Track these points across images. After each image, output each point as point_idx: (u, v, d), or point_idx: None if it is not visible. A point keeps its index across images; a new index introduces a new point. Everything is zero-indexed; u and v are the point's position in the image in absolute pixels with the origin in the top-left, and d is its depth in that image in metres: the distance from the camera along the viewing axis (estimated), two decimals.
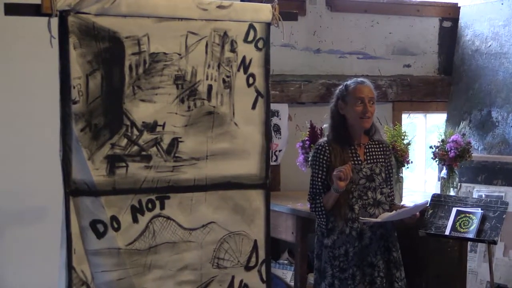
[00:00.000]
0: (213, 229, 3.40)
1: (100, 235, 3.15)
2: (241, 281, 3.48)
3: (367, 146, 3.64)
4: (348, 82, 3.61)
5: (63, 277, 3.12)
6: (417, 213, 3.61)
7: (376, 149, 3.66)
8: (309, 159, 3.83)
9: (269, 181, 3.53)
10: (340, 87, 3.64)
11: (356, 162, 3.57)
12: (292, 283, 4.65)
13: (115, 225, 3.17)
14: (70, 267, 3.10)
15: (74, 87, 3.07)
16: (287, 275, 4.77)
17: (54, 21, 3.05)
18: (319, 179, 3.58)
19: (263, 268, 3.53)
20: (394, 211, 3.56)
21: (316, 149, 3.63)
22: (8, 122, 4.19)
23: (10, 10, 3.01)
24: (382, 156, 3.67)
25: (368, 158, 3.62)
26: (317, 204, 3.57)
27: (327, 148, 3.58)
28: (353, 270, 3.53)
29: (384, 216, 3.53)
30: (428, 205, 3.74)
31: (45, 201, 4.19)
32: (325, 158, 3.57)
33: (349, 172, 3.41)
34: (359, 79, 3.64)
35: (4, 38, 4.13)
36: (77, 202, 3.11)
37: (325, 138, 3.66)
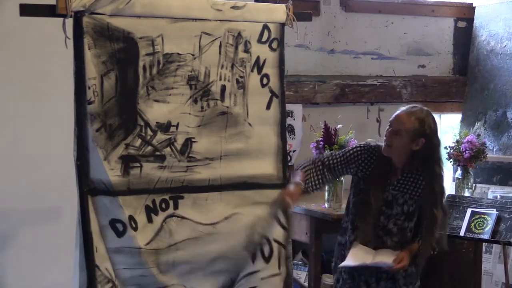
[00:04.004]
0: (238, 218, 3.39)
1: (120, 234, 3.15)
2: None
3: (405, 174, 3.37)
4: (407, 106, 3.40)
5: (77, 277, 3.12)
6: (395, 265, 3.32)
7: (413, 181, 3.37)
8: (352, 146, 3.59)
9: (288, 180, 3.50)
10: None
11: (385, 183, 3.40)
12: (306, 284, 4.65)
13: (133, 225, 3.17)
14: (92, 266, 3.09)
15: (89, 88, 3.08)
16: (301, 275, 4.77)
17: (69, 22, 3.06)
18: (336, 160, 3.44)
19: None
20: (364, 262, 3.34)
21: (365, 145, 3.45)
22: (21, 123, 4.20)
23: (26, 11, 3.02)
24: (416, 191, 3.36)
25: (398, 185, 3.38)
26: (309, 165, 3.45)
27: (373, 152, 3.40)
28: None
29: (358, 261, 3.35)
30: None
31: (58, 202, 4.21)
32: (362, 158, 3.41)
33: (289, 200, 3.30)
34: (414, 108, 3.34)
35: (20, 39, 4.15)
36: (95, 201, 3.12)
37: (380, 144, 3.42)
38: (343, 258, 3.45)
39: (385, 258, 3.30)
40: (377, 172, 3.38)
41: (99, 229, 3.13)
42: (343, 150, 3.51)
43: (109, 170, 3.12)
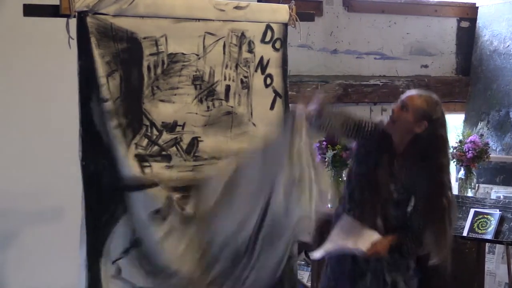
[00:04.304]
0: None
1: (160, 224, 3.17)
2: None
3: (403, 160, 3.32)
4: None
5: (83, 277, 3.12)
6: (371, 249, 3.27)
7: (409, 169, 3.32)
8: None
9: None
10: None
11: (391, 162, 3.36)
12: (309, 284, 4.65)
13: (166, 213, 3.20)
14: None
15: (103, 86, 3.07)
16: (304, 275, 4.77)
17: (71, 22, 3.05)
18: (359, 121, 3.36)
19: None
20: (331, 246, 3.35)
21: (379, 122, 3.40)
22: (25, 122, 4.21)
23: (29, 11, 3.02)
24: (411, 179, 3.30)
25: (394, 172, 3.34)
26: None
27: (377, 129, 3.36)
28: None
29: (328, 248, 3.34)
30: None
31: (60, 202, 4.22)
32: (369, 132, 3.35)
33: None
34: (427, 91, 3.37)
35: (23, 39, 4.15)
36: (130, 197, 3.13)
37: (385, 120, 3.38)
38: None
39: (365, 243, 3.27)
40: (380, 149, 3.33)
41: (142, 223, 3.13)
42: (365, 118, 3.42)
43: (131, 167, 3.12)
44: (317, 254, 3.37)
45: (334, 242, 3.33)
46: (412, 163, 3.30)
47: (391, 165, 3.33)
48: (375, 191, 3.33)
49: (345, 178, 3.56)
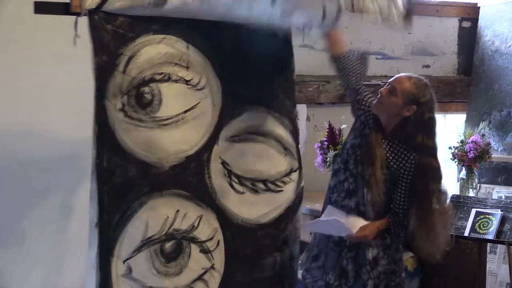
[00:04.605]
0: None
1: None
2: None
3: (389, 142, 3.33)
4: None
5: (93, 277, 3.11)
6: (360, 232, 3.29)
7: (394, 151, 3.32)
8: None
9: None
10: None
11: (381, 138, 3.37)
12: None
13: None
14: None
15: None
16: None
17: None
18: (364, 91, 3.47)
19: None
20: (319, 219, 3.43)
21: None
22: (34, 120, 4.22)
23: (39, 9, 3.01)
24: (394, 162, 3.30)
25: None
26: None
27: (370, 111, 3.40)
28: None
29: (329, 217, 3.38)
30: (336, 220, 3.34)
31: (70, 201, 4.23)
32: (365, 113, 3.42)
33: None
34: (416, 75, 3.34)
35: (32, 37, 4.16)
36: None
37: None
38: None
39: (353, 226, 3.30)
40: (372, 126, 3.36)
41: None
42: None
43: None
44: (310, 224, 3.50)
45: (327, 216, 3.38)
46: (397, 145, 3.31)
47: (379, 144, 3.33)
48: (368, 164, 3.32)
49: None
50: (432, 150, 3.30)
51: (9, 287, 4.20)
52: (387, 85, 3.31)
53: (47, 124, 4.24)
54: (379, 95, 3.31)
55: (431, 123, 3.30)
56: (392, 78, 3.33)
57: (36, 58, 4.17)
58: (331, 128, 4.53)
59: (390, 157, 3.31)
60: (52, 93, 4.22)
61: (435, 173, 3.29)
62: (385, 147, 3.33)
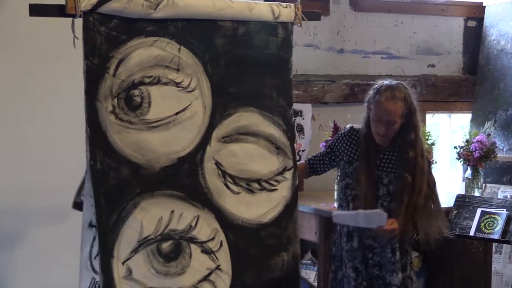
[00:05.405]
0: None
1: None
2: None
3: (387, 152, 3.44)
4: (382, 88, 3.39)
5: (87, 278, 3.12)
6: (385, 226, 3.30)
7: (395, 159, 3.42)
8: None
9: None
10: (376, 86, 3.44)
11: (375, 162, 3.45)
12: (315, 283, 4.65)
13: None
14: None
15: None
16: (310, 275, 4.77)
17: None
18: (322, 154, 3.65)
19: None
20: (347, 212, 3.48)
21: (348, 131, 3.54)
22: (32, 122, 4.23)
23: (35, 11, 3.02)
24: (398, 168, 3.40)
25: (382, 164, 3.43)
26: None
27: (355, 135, 3.49)
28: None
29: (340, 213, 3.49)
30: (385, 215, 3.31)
31: (68, 201, 4.22)
32: (347, 142, 3.51)
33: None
34: (394, 91, 3.38)
35: (28, 39, 4.16)
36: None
37: (359, 127, 3.51)
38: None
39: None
40: (366, 152, 3.42)
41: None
42: (331, 142, 3.63)
43: None
44: (337, 214, 3.50)
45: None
46: (394, 153, 3.43)
47: (379, 160, 3.43)
48: (367, 186, 3.38)
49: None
50: (419, 142, 3.44)
51: (11, 285, 4.21)
52: (379, 121, 3.35)
53: (48, 123, 4.25)
54: (379, 136, 3.38)
55: (415, 114, 3.44)
56: (380, 112, 3.35)
57: (31, 60, 4.18)
58: (336, 127, 4.51)
59: (395, 166, 3.40)
60: (50, 93, 4.23)
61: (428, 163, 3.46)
62: (386, 158, 3.43)
